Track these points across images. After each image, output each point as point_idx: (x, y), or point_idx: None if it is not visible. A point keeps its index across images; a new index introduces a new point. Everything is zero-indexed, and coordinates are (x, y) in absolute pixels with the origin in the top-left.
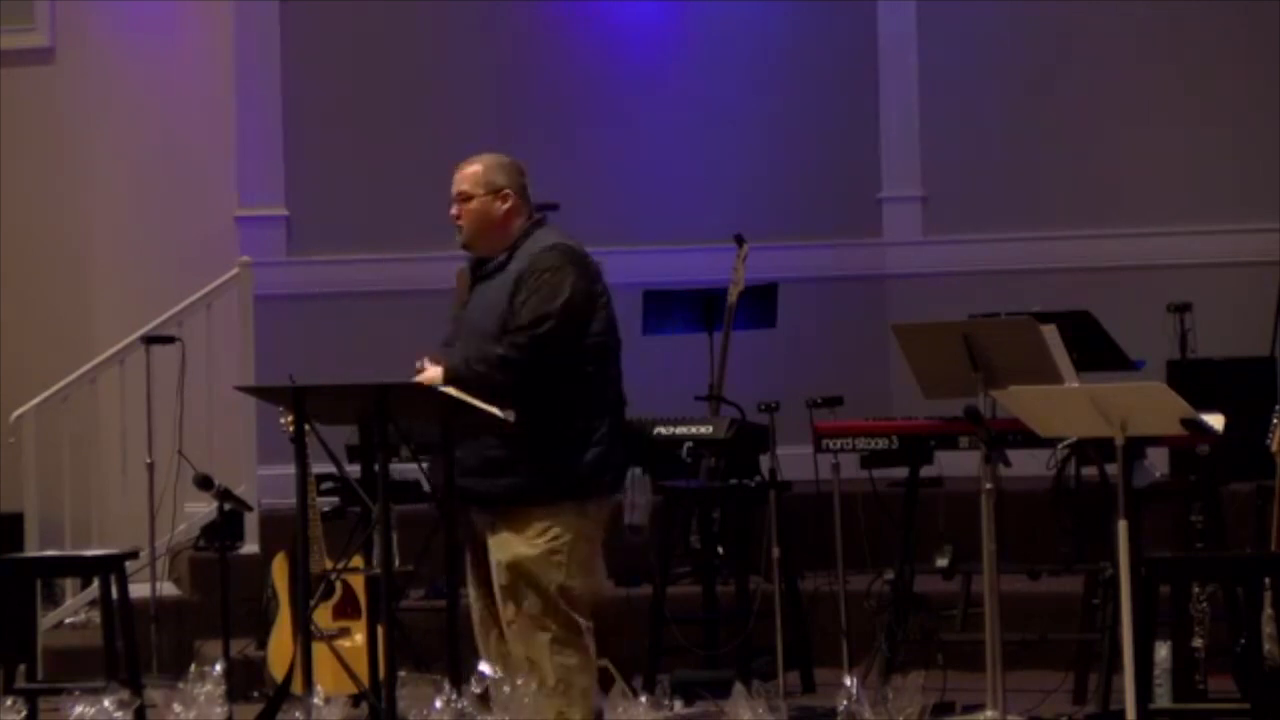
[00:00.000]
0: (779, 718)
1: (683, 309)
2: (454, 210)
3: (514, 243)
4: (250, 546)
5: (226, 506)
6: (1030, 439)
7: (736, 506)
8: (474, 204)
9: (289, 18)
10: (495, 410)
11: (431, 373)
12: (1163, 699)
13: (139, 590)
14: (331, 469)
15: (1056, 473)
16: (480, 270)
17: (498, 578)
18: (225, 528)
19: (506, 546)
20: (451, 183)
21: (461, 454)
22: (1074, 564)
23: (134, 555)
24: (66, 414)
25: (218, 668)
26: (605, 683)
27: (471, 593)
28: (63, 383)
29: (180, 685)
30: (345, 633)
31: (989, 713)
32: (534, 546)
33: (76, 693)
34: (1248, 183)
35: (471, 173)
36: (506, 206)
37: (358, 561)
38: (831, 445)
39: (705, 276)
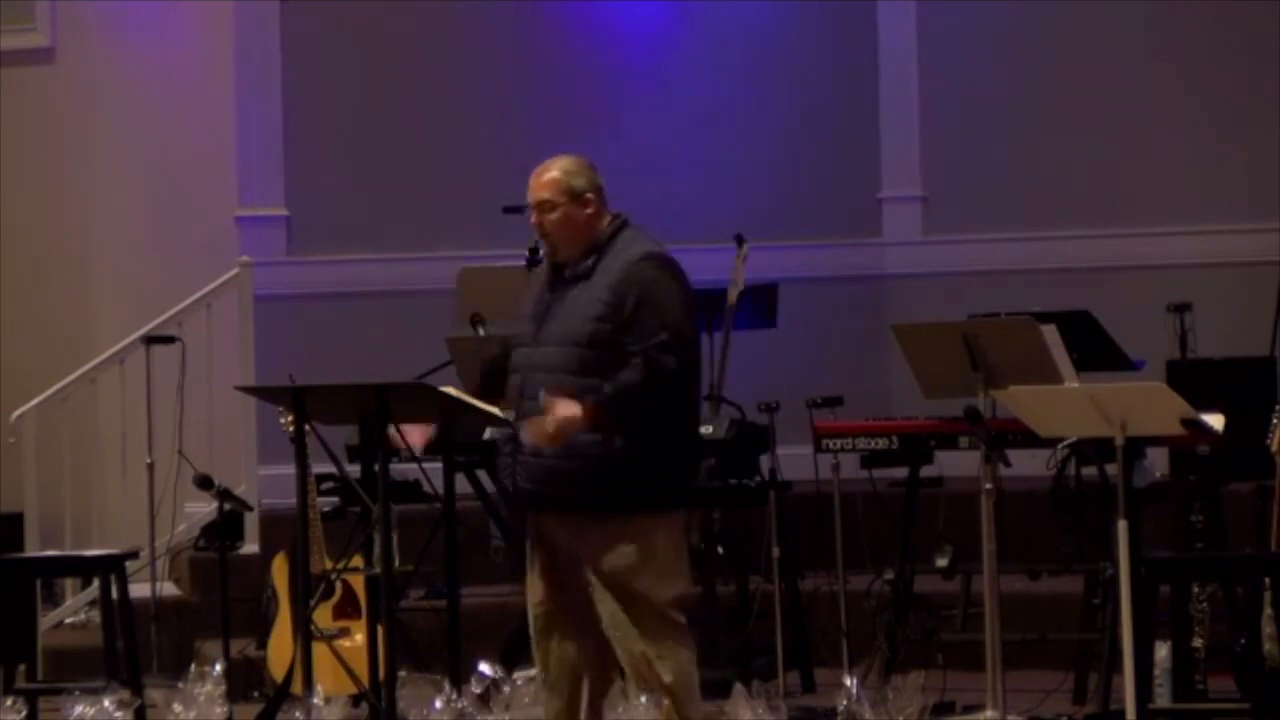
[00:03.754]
0: (779, 718)
1: None
2: (534, 219)
3: (600, 245)
4: (250, 546)
5: (226, 506)
6: (1030, 439)
7: (736, 506)
8: (558, 213)
9: (289, 18)
10: (495, 410)
11: (567, 409)
12: (1163, 699)
13: (139, 590)
14: (331, 469)
15: (1056, 473)
16: (559, 273)
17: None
18: (225, 528)
19: (612, 553)
20: (528, 190)
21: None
22: (1074, 564)
23: (134, 555)
24: (66, 414)
25: (218, 668)
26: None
27: (534, 596)
28: (63, 383)
29: (180, 685)
30: (345, 633)
31: (989, 713)
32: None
33: (76, 693)
34: (1248, 183)
35: (550, 180)
36: (589, 211)
37: (358, 561)
38: (831, 445)
39: (705, 277)
